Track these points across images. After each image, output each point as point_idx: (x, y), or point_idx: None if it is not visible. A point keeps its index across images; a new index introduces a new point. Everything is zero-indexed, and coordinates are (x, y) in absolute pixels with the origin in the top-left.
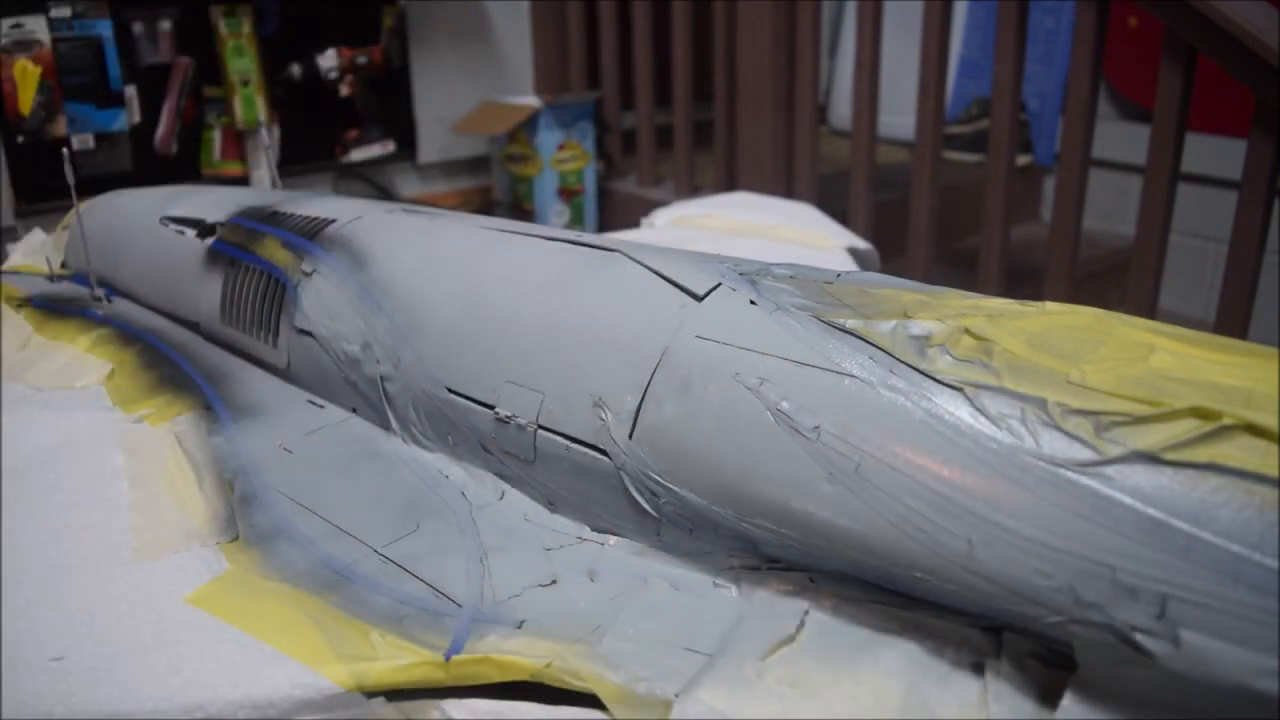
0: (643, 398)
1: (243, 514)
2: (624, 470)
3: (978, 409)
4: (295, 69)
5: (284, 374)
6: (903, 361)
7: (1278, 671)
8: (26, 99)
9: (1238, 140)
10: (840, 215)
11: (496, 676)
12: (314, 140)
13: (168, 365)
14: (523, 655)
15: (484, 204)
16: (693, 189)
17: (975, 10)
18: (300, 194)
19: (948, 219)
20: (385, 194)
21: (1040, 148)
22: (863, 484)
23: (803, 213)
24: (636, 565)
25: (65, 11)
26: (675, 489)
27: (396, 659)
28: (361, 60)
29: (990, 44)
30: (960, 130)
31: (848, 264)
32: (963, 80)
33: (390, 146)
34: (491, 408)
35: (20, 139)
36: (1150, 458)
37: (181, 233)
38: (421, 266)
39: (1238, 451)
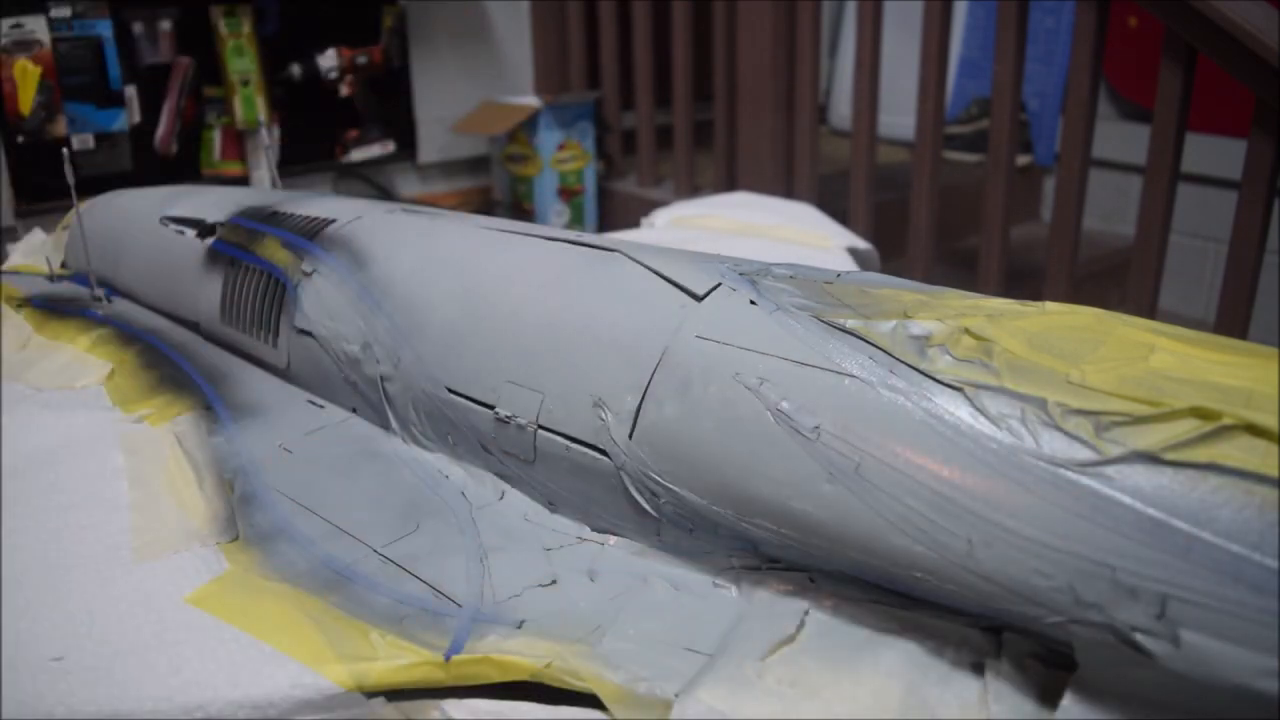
0: (643, 398)
1: (243, 514)
2: (624, 470)
3: (978, 409)
4: (295, 69)
5: (284, 374)
6: (903, 361)
7: (1278, 671)
8: (26, 99)
9: (1238, 140)
10: (840, 215)
11: (496, 676)
12: (314, 140)
13: (168, 365)
14: (523, 655)
15: (484, 204)
16: (693, 189)
17: (975, 10)
18: (300, 194)
19: (948, 219)
20: (385, 194)
21: (1040, 148)
22: (863, 484)
23: (803, 213)
24: (636, 565)
25: (65, 11)
26: (675, 489)
27: (396, 659)
28: (361, 60)
29: (990, 44)
30: (960, 130)
31: (848, 264)
32: (963, 80)
33: (390, 146)
34: (491, 408)
35: (20, 139)
36: (1150, 458)
37: (181, 233)
38: (421, 266)
39: (1238, 451)
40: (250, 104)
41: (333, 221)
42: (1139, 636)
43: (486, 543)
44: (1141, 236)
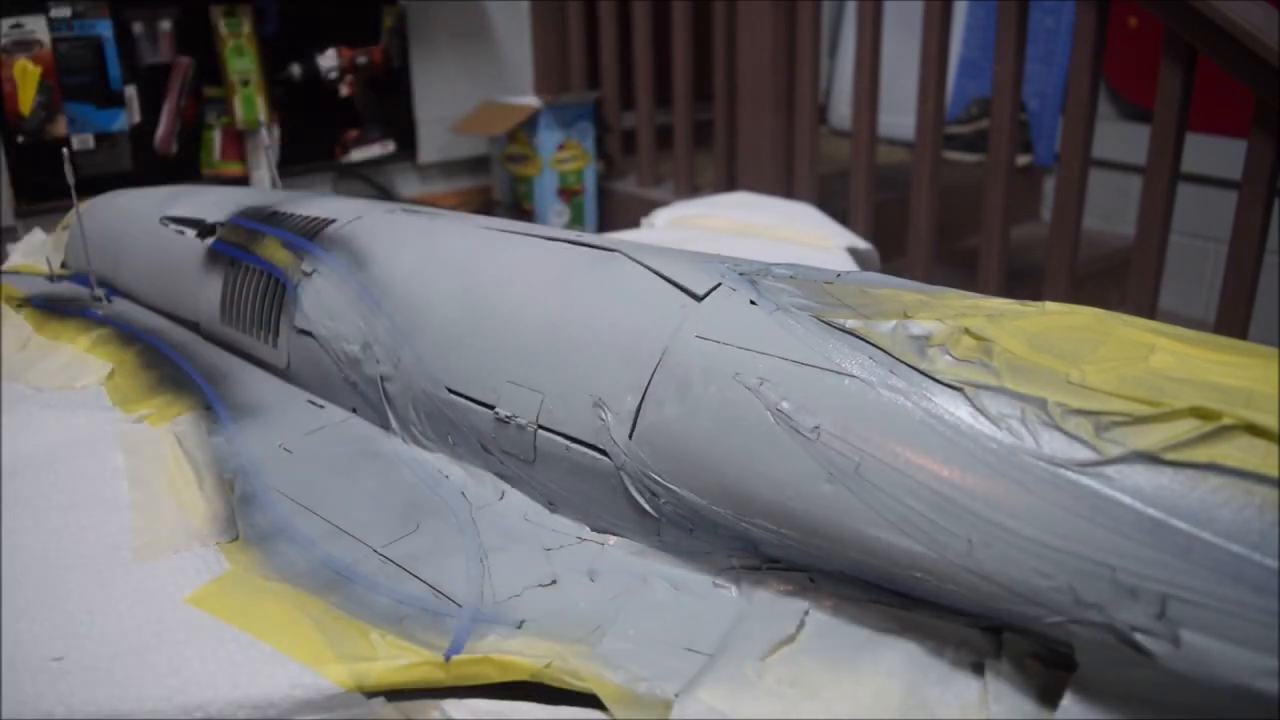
0: (643, 398)
1: (243, 514)
2: (624, 470)
3: (978, 409)
4: (295, 69)
5: (284, 374)
6: (903, 361)
7: (1278, 671)
8: (26, 99)
9: (1238, 140)
10: (840, 215)
11: (496, 676)
12: (314, 140)
13: (168, 365)
14: (523, 655)
15: (484, 204)
16: (693, 189)
17: (975, 10)
18: (300, 194)
19: (948, 219)
20: (385, 194)
21: (1040, 148)
22: (863, 484)
23: (803, 213)
24: (636, 565)
25: (65, 11)
26: (675, 489)
27: (396, 659)
28: (361, 60)
29: (990, 44)
30: (960, 130)
31: (848, 264)
32: (963, 80)
33: (390, 146)
34: (491, 408)
35: (20, 139)
36: (1150, 458)
37: (181, 233)
38: (421, 266)
39: (1238, 451)
40: (250, 104)
41: (333, 221)
42: (1139, 636)
43: (486, 543)
44: (1141, 236)
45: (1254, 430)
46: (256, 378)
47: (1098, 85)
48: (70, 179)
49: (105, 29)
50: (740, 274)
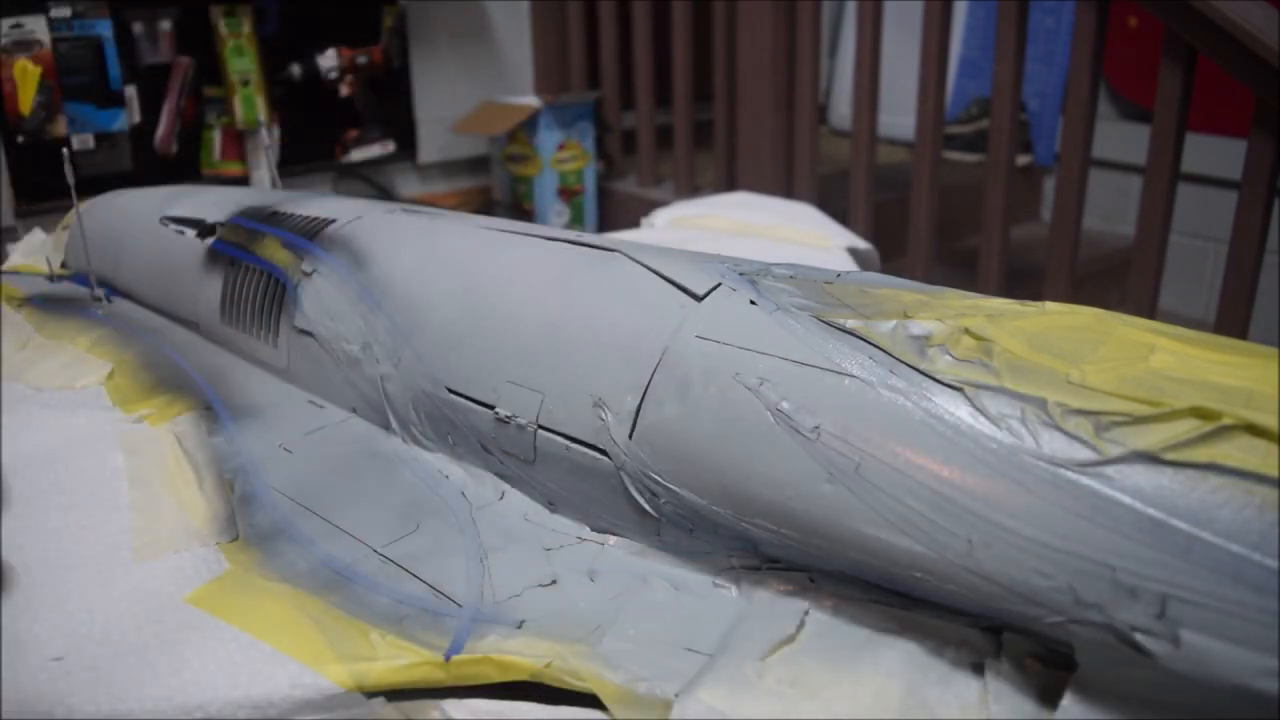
0: (643, 398)
1: (243, 514)
2: (624, 470)
3: (978, 409)
4: (295, 69)
5: (284, 374)
6: (903, 361)
7: (1278, 671)
8: (26, 99)
9: (1238, 140)
10: (840, 215)
11: (496, 676)
12: (314, 140)
13: (168, 365)
14: (523, 655)
15: (484, 204)
16: (693, 189)
17: (975, 10)
18: (300, 194)
19: (948, 219)
20: (385, 194)
21: (1040, 148)
22: (863, 484)
23: (803, 213)
24: (636, 565)
25: (65, 11)
26: (675, 489)
27: (396, 659)
28: (361, 60)
29: (990, 44)
30: (960, 130)
31: (848, 264)
32: (963, 80)
33: (390, 146)
34: (491, 408)
35: (20, 139)
36: (1150, 458)
37: (181, 233)
38: (421, 266)
39: (1238, 451)
40: (250, 104)
41: (333, 221)
42: (1139, 636)
43: (486, 543)
44: (1141, 236)
45: (1254, 430)
46: (256, 378)
47: (1098, 85)
48: (70, 179)
49: (105, 29)
50: (740, 274)
